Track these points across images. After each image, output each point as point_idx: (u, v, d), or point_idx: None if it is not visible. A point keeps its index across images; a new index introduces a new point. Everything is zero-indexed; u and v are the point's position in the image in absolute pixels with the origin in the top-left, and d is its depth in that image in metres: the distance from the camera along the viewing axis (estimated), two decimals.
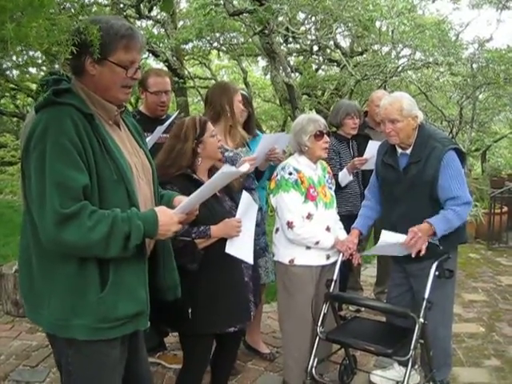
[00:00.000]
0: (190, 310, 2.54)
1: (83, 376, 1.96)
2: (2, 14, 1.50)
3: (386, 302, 3.65)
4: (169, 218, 1.96)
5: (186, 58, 11.60)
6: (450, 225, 3.00)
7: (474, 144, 10.29)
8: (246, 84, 11.93)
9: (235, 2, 8.34)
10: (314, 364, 3.08)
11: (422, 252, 2.96)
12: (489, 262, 6.64)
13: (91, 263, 1.86)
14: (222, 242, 2.64)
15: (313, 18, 10.26)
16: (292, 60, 12.25)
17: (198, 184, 2.70)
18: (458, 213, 3.00)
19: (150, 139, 3.07)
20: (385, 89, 8.47)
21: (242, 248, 2.66)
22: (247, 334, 3.91)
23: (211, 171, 2.86)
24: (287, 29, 9.11)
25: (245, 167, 2.47)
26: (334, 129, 4.49)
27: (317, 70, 12.30)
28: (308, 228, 3.12)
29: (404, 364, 3.02)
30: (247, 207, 2.68)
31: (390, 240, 2.95)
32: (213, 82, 12.36)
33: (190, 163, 2.75)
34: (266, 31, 7.69)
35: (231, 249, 2.62)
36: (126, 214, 1.85)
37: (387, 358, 3.31)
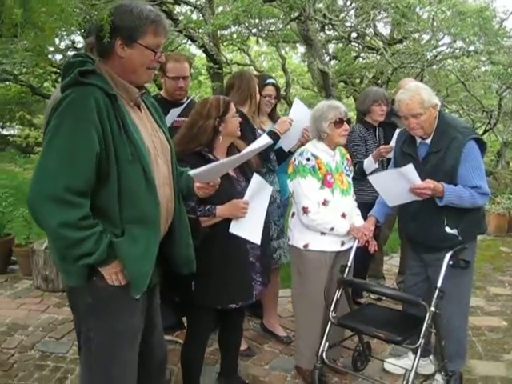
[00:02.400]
0: (193, 283, 2.65)
1: (103, 343, 2.06)
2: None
3: (402, 291, 3.64)
4: None
5: (224, 43, 11.62)
6: (460, 201, 2.96)
7: None
8: (285, 70, 11.85)
9: None
10: (325, 348, 3.11)
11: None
12: None
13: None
14: (229, 221, 2.70)
15: (352, 5, 10.14)
16: (331, 47, 12.14)
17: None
18: (474, 197, 2.96)
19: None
20: (422, 78, 8.32)
21: (248, 229, 2.71)
22: (264, 317, 3.98)
23: (230, 148, 2.92)
24: (324, 15, 9.04)
25: (266, 139, 2.68)
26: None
27: (356, 57, 12.14)
28: (323, 214, 3.14)
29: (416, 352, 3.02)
30: (258, 189, 2.72)
31: (410, 175, 2.88)
32: (251, 68, 12.39)
33: (209, 141, 2.80)
34: (302, 18, 7.66)
35: (236, 229, 2.68)
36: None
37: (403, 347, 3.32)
